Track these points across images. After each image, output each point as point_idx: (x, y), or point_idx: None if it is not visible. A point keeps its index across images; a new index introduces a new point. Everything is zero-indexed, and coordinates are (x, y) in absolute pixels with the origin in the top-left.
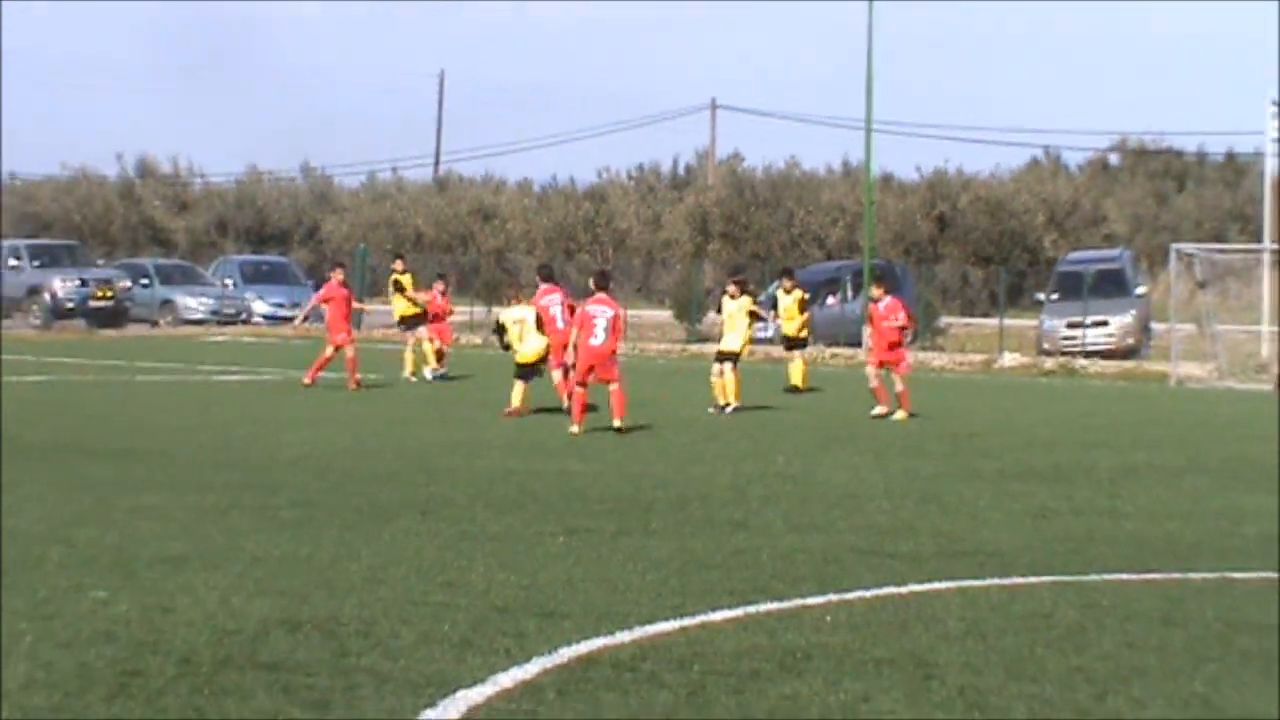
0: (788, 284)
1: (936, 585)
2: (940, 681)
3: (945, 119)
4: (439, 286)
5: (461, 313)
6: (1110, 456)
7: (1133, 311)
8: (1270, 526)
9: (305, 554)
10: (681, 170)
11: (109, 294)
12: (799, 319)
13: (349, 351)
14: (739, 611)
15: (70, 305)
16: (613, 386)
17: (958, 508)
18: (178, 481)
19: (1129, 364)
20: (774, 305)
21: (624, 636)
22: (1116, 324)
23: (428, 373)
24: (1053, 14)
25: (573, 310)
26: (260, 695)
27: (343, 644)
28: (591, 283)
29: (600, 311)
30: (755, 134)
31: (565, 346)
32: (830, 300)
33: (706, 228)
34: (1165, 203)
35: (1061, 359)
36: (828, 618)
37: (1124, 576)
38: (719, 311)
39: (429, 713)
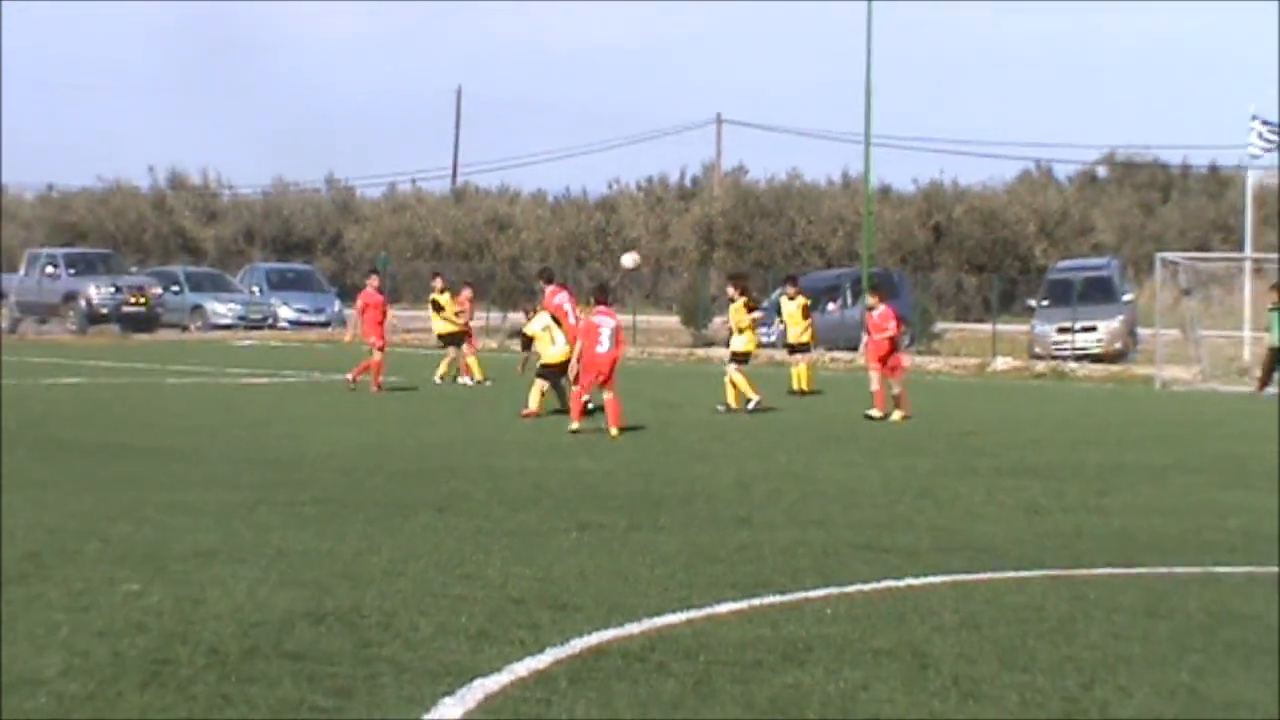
0: (792, 290)
1: (932, 579)
2: (936, 671)
3: (941, 133)
4: (466, 294)
5: (477, 318)
6: (1098, 455)
7: (1120, 317)
8: (1251, 521)
9: (329, 548)
10: (688, 182)
11: (141, 300)
12: (803, 324)
13: (376, 356)
14: (743, 604)
15: (104, 311)
16: (608, 395)
17: (953, 504)
18: (207, 479)
19: (1116, 367)
20: (778, 311)
21: (634, 628)
22: (1104, 329)
23: (466, 380)
24: (1044, 34)
25: (575, 304)
26: (285, 683)
27: (364, 635)
28: (592, 297)
29: (604, 321)
30: (759, 147)
31: (577, 339)
32: (831, 306)
33: (712, 237)
34: (1151, 213)
35: (1052, 362)
36: (828, 610)
37: (1111, 570)
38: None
39: (447, 701)
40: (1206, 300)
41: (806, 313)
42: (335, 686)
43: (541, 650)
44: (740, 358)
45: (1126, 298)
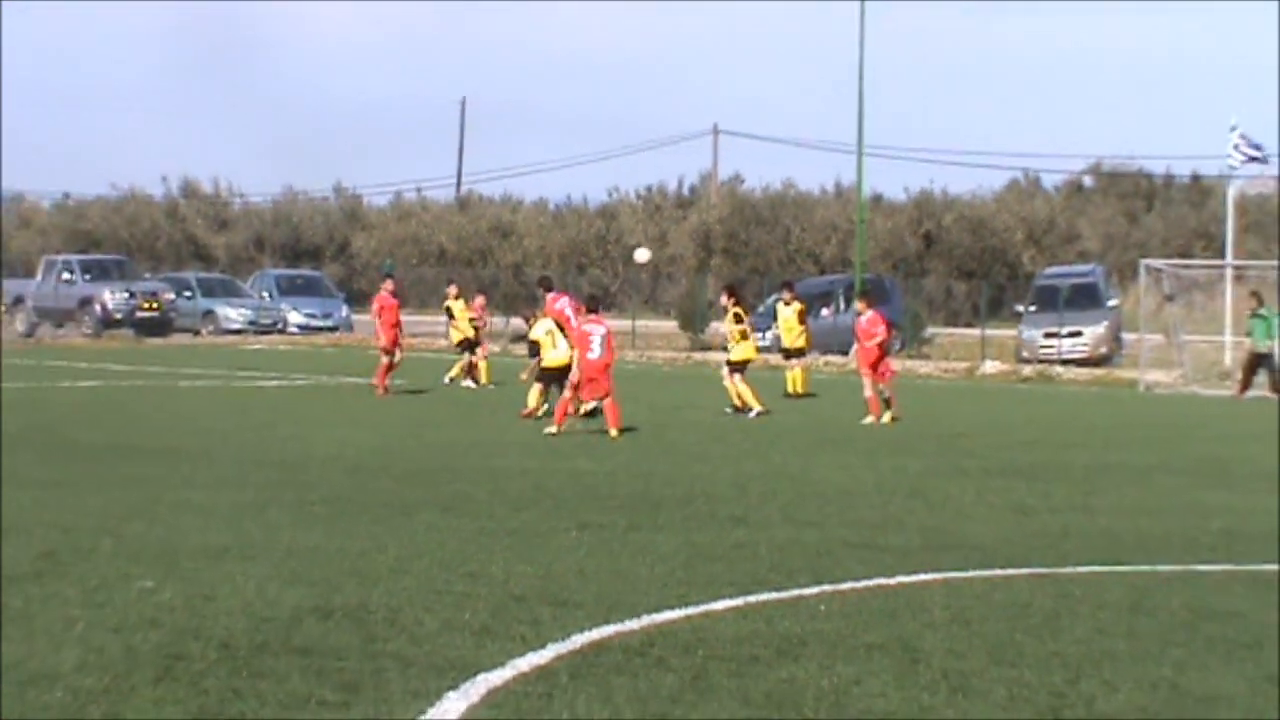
0: (788, 296)
1: (923, 576)
2: (926, 665)
3: (931, 143)
4: (480, 300)
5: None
6: (1084, 456)
7: (1105, 322)
8: (1233, 521)
9: (336, 546)
10: (686, 190)
11: (154, 305)
12: (798, 329)
13: (385, 359)
14: (740, 601)
15: (118, 315)
16: (606, 400)
17: (943, 504)
18: (218, 479)
19: (1101, 371)
20: (775, 317)
21: (633, 624)
22: (1090, 334)
23: (469, 383)
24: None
25: (578, 310)
26: (294, 678)
27: (371, 630)
28: (584, 307)
29: (595, 329)
30: (755, 157)
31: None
32: (824, 312)
33: (709, 244)
34: (1135, 222)
35: (1039, 366)
36: (822, 607)
37: (1097, 568)
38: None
39: (451, 695)
40: (1189, 306)
41: (802, 318)
42: (343, 681)
43: (543, 645)
44: (737, 366)
45: (1111, 303)
